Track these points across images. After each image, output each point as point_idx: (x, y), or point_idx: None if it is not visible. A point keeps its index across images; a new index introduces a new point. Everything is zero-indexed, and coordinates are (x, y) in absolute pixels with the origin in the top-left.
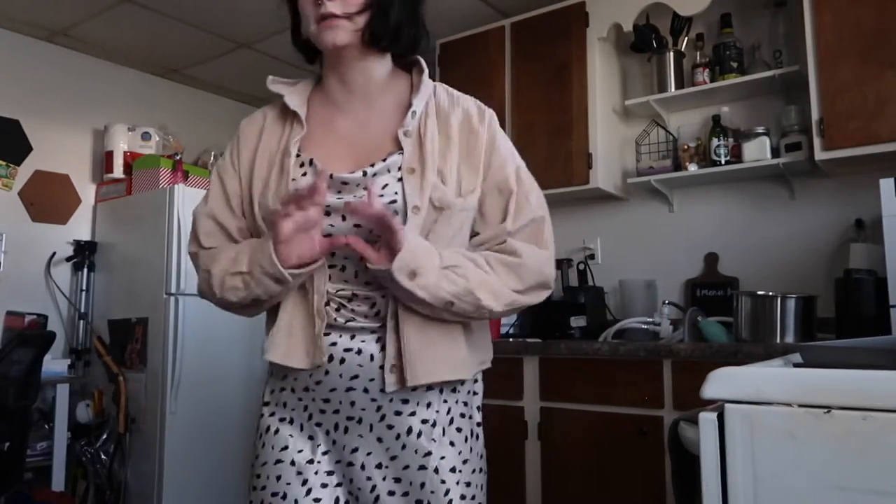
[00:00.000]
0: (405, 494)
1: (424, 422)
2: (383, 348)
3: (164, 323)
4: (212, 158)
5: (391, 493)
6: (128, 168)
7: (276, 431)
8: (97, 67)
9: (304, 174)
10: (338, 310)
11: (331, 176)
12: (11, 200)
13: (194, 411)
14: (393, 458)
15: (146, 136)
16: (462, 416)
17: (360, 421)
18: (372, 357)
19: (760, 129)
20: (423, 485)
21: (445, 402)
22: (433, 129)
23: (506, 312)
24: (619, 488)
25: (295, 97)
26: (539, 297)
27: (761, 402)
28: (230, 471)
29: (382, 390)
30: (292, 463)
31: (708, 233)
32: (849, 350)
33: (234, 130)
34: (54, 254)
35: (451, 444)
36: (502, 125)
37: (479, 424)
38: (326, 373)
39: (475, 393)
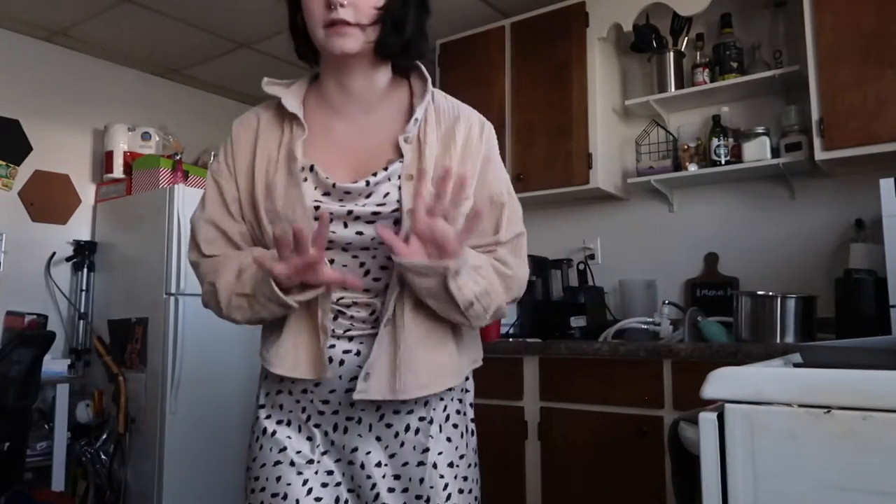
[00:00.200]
0: (405, 490)
1: (422, 419)
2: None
3: (164, 323)
4: (211, 158)
5: (391, 490)
6: (128, 168)
7: (274, 433)
8: (97, 67)
9: (305, 179)
10: (335, 318)
11: (334, 185)
12: (11, 200)
13: (194, 411)
14: (392, 455)
15: (146, 136)
16: (457, 412)
17: (359, 421)
18: None
19: (760, 129)
20: (422, 480)
21: (441, 399)
22: (432, 136)
23: (490, 320)
24: (619, 488)
25: (291, 99)
26: (508, 309)
27: (761, 402)
28: (230, 471)
29: None
30: (292, 464)
31: (708, 233)
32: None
33: None
34: (54, 254)
35: (448, 439)
36: (502, 125)
37: (472, 420)
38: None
39: (467, 390)
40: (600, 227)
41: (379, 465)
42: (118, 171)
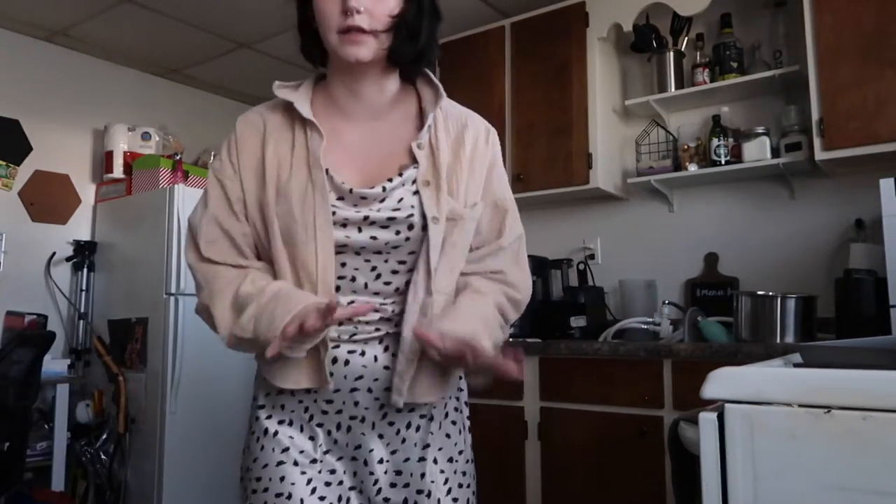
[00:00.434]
0: (406, 485)
1: (423, 417)
2: (386, 349)
3: (164, 323)
4: (211, 158)
5: (393, 486)
6: (128, 168)
7: (276, 434)
8: (97, 67)
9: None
10: (340, 324)
11: (351, 190)
12: (11, 200)
13: (194, 411)
14: (393, 451)
15: (146, 136)
16: (455, 409)
17: (362, 420)
18: (376, 358)
19: (760, 129)
20: (423, 475)
21: (441, 397)
22: (444, 141)
23: None
24: (619, 488)
25: (303, 103)
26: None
27: (761, 402)
28: (230, 471)
29: (387, 389)
30: (295, 463)
31: (708, 233)
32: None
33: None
34: (54, 254)
35: (447, 436)
36: (502, 125)
37: (468, 417)
38: (331, 374)
39: (462, 389)
40: (600, 227)
41: (381, 461)
42: (118, 171)
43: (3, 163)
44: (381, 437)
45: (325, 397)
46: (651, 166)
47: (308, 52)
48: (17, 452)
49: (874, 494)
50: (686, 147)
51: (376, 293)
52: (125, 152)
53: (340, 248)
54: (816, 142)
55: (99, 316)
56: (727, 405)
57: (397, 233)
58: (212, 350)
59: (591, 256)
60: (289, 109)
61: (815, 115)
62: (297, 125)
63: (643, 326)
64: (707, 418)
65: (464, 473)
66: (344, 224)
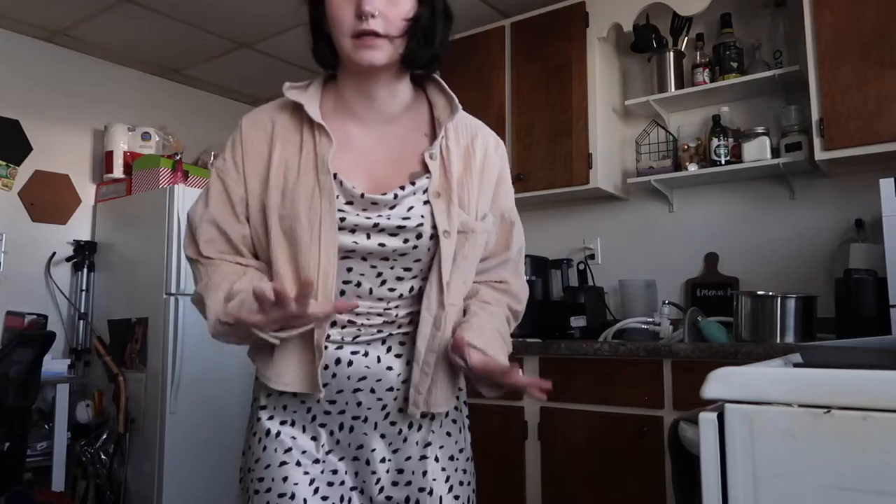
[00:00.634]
0: (408, 483)
1: (424, 416)
2: (389, 350)
3: (164, 323)
4: (212, 158)
5: (395, 484)
6: (128, 168)
7: (278, 434)
8: (97, 67)
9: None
10: (343, 327)
11: (362, 195)
12: (11, 200)
13: (194, 411)
14: (395, 450)
15: (146, 136)
16: (455, 408)
17: (365, 420)
18: (379, 359)
19: (760, 129)
20: (424, 473)
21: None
22: (455, 152)
23: None
24: (619, 488)
25: (313, 106)
26: None
27: (761, 402)
28: (230, 471)
29: (389, 389)
30: (298, 463)
31: (708, 233)
32: (849, 350)
33: (234, 131)
34: (54, 254)
35: (448, 434)
36: (502, 125)
37: (467, 416)
38: (334, 375)
39: (461, 388)
40: (600, 227)
41: (383, 460)
42: (118, 171)
43: (3, 163)
44: (383, 436)
45: (329, 397)
46: (651, 166)
47: (320, 56)
48: (17, 452)
49: (874, 494)
50: (686, 147)
51: (380, 299)
52: (125, 152)
53: (347, 254)
54: (816, 142)
55: (99, 316)
56: (727, 405)
57: (405, 241)
58: (212, 350)
59: (591, 256)
60: (297, 110)
61: (815, 115)
62: (305, 127)
63: (643, 326)
64: (707, 418)
65: (464, 471)
66: (353, 230)
